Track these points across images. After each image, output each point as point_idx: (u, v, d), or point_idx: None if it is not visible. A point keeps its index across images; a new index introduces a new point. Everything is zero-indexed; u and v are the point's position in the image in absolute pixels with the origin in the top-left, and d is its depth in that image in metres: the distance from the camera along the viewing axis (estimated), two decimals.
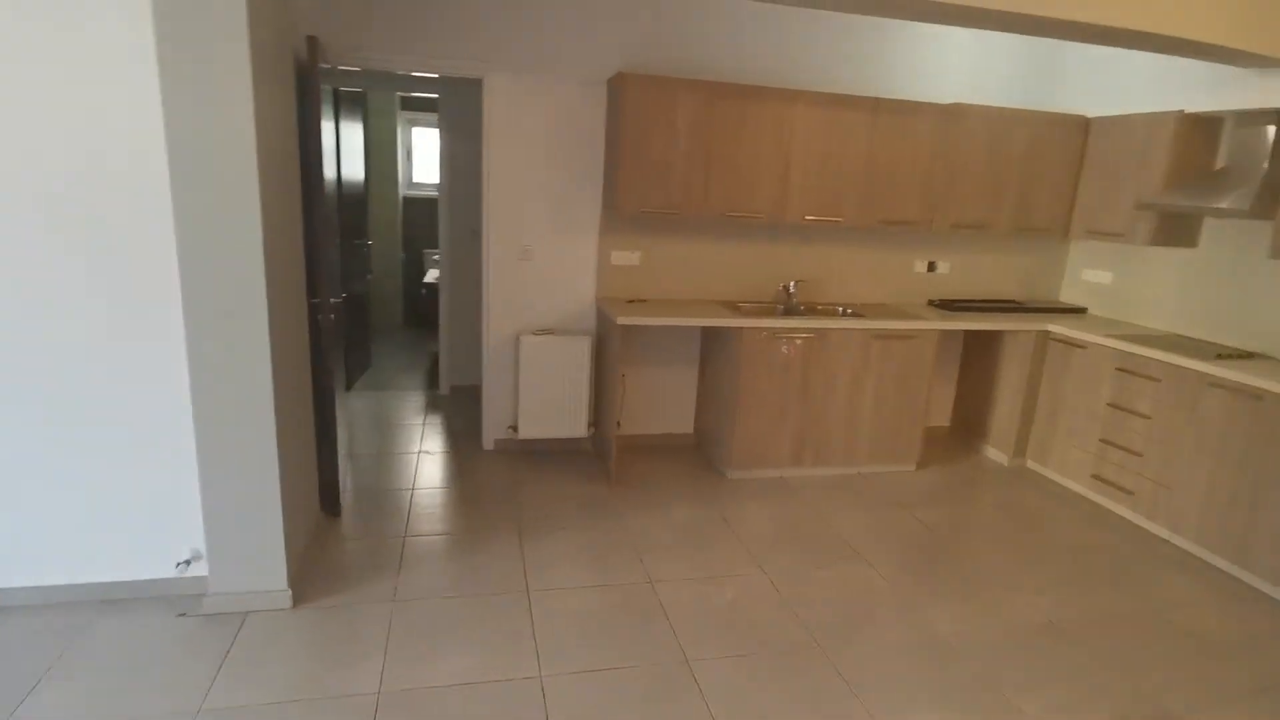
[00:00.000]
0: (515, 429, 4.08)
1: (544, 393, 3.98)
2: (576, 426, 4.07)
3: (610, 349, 3.82)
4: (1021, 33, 3.05)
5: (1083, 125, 4.22)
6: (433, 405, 4.95)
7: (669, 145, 3.65)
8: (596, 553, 3.10)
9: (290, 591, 2.56)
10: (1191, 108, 3.66)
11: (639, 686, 2.29)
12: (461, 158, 4.87)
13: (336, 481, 3.24)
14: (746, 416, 3.84)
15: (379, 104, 6.55)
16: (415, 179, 7.25)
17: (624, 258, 4.06)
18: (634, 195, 3.67)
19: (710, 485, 3.87)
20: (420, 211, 7.14)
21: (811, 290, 4.36)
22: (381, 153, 6.68)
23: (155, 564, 2.54)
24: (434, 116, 7.04)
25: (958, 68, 4.30)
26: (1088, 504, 3.89)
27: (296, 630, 2.46)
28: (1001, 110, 4.07)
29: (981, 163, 4.10)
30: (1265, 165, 3.39)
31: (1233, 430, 3.19)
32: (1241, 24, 2.96)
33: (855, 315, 4.01)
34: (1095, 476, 3.88)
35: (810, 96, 3.77)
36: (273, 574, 2.54)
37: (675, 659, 2.44)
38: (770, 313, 3.98)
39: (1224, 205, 3.38)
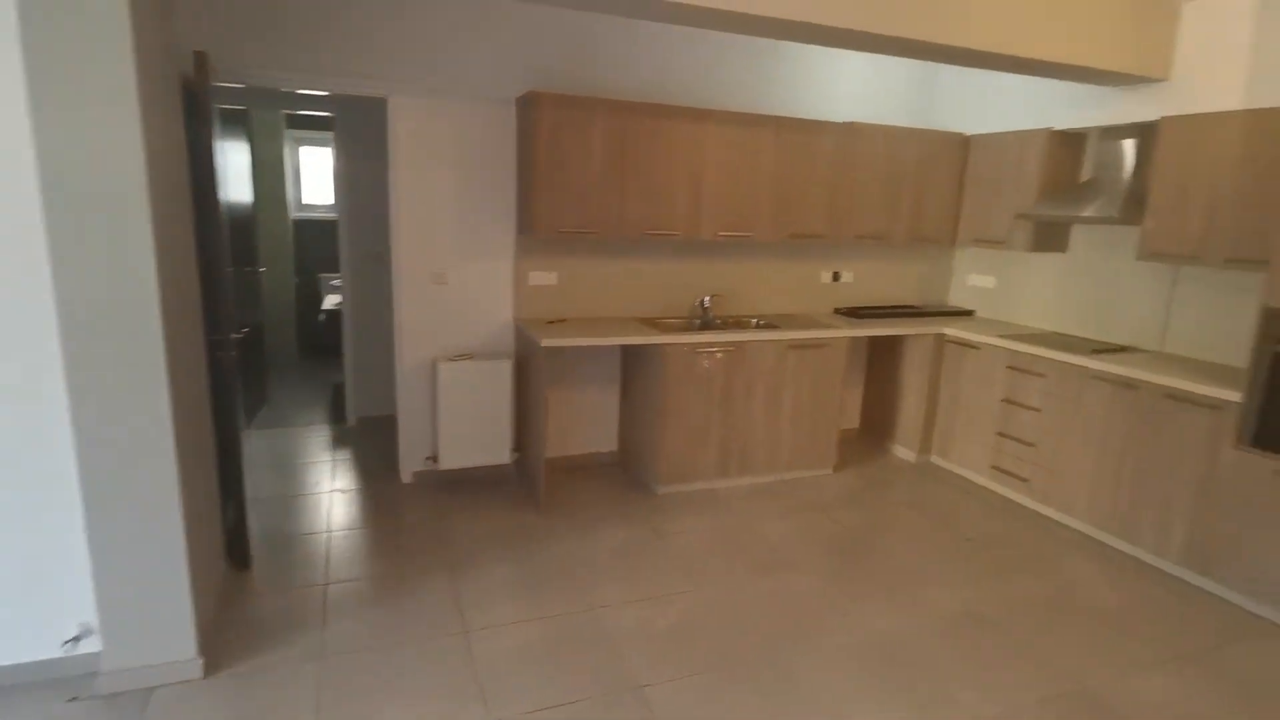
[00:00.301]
0: (435, 459, 3.92)
1: (465, 420, 3.84)
2: (500, 453, 3.96)
3: (533, 371, 3.74)
4: (911, 57, 3.25)
5: (963, 142, 4.54)
6: (340, 439, 4.68)
7: (584, 165, 3.64)
8: (533, 583, 3.01)
9: (201, 660, 2.33)
10: (1059, 125, 4.01)
11: None
12: (361, 179, 4.65)
13: (245, 530, 2.99)
14: (672, 431, 3.86)
15: (263, 122, 6.17)
16: (305, 200, 6.87)
17: (541, 278, 4.00)
18: (550, 216, 3.62)
19: (640, 502, 3.85)
20: (313, 235, 6.77)
21: (726, 304, 4.45)
22: (268, 174, 6.29)
23: (37, 644, 2.24)
24: (324, 135, 6.72)
25: (851, 89, 4.53)
26: (989, 494, 4.16)
27: (212, 703, 2.24)
28: (892, 129, 4.32)
29: (878, 178, 4.33)
30: (1127, 176, 3.77)
31: (1113, 418, 3.49)
32: (1102, 47, 3.28)
33: (769, 327, 4.12)
34: (994, 467, 4.15)
35: (720, 115, 3.86)
36: (179, 642, 2.30)
37: (626, 686, 2.39)
38: (688, 328, 4.03)
39: (1090, 214, 3.72)
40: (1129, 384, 3.41)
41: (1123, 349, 3.83)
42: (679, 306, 4.34)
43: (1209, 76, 3.34)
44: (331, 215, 6.84)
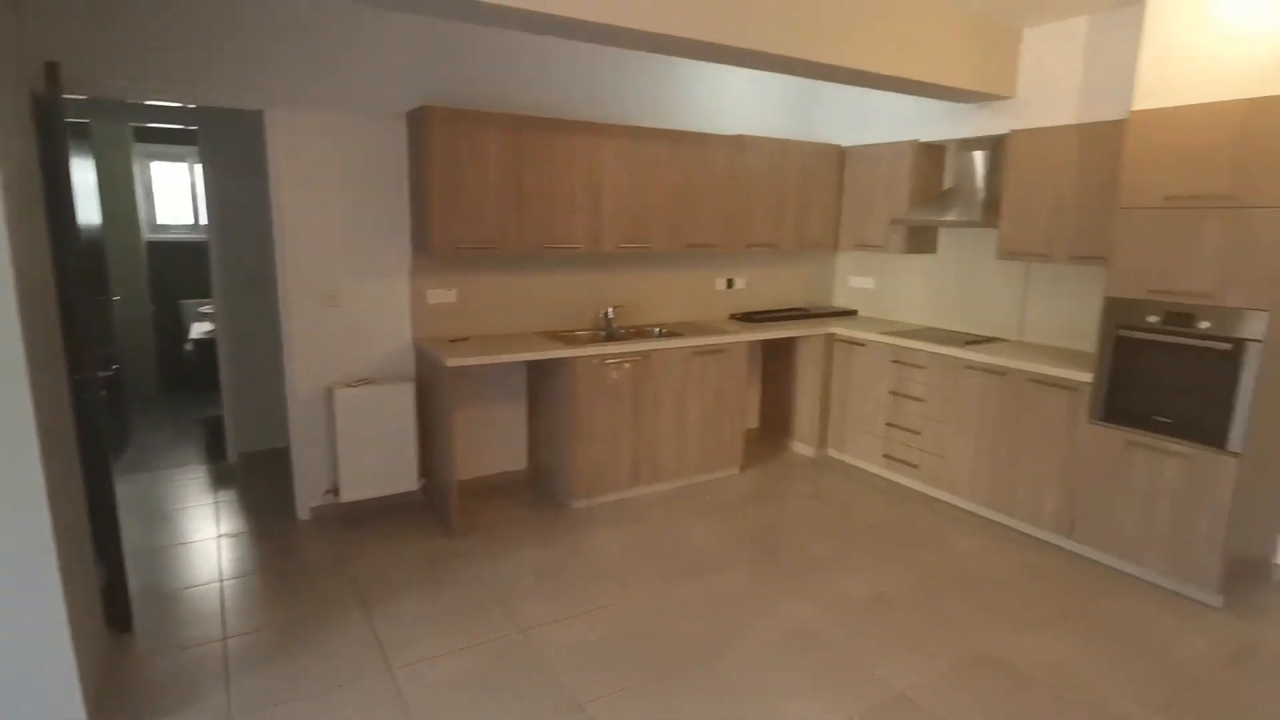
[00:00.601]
0: (336, 492, 3.70)
1: (367, 448, 3.65)
2: (406, 480, 3.79)
3: (438, 393, 3.61)
4: (794, 74, 3.43)
5: (839, 153, 4.85)
6: (221, 479, 4.31)
7: (481, 180, 3.57)
8: (457, 611, 2.90)
9: None
10: (923, 138, 4.37)
11: None
12: (234, 197, 4.33)
13: (124, 588, 2.69)
14: (584, 444, 3.85)
15: (107, 137, 5.60)
16: (160, 221, 6.29)
17: (440, 296, 3.88)
18: (448, 232, 3.53)
19: (556, 519, 3.81)
20: (171, 257, 6.22)
21: (628, 314, 4.50)
22: (116, 193, 5.71)
23: None
24: (181, 149, 6.21)
25: (737, 103, 4.72)
26: (883, 481, 4.44)
27: None
28: (776, 141, 4.54)
29: (765, 188, 4.54)
30: (983, 183, 4.16)
31: (986, 403, 3.83)
32: (958, 67, 3.60)
33: (672, 335, 4.20)
34: (886, 456, 4.44)
35: (616, 129, 3.90)
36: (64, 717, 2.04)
37: (567, 705, 2.36)
38: (593, 340, 4.04)
39: (954, 218, 4.08)
40: (998, 371, 3.76)
41: (989, 340, 4.21)
42: (582, 319, 4.35)
43: (1048, 94, 3.76)
44: (193, 236, 6.33)
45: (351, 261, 3.64)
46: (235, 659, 2.57)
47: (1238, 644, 2.80)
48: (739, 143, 4.37)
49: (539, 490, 4.19)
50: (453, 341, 3.80)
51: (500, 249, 3.68)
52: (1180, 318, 3.02)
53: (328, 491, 3.74)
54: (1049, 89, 3.75)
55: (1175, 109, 2.98)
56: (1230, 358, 2.89)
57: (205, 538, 3.53)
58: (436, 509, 3.81)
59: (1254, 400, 2.84)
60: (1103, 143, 3.45)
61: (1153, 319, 3.11)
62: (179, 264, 6.22)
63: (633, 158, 4.00)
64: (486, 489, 4.18)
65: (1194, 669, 2.64)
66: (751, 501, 4.09)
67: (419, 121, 3.48)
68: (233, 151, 4.29)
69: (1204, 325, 2.95)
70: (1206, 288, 2.94)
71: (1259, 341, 2.81)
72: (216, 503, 3.96)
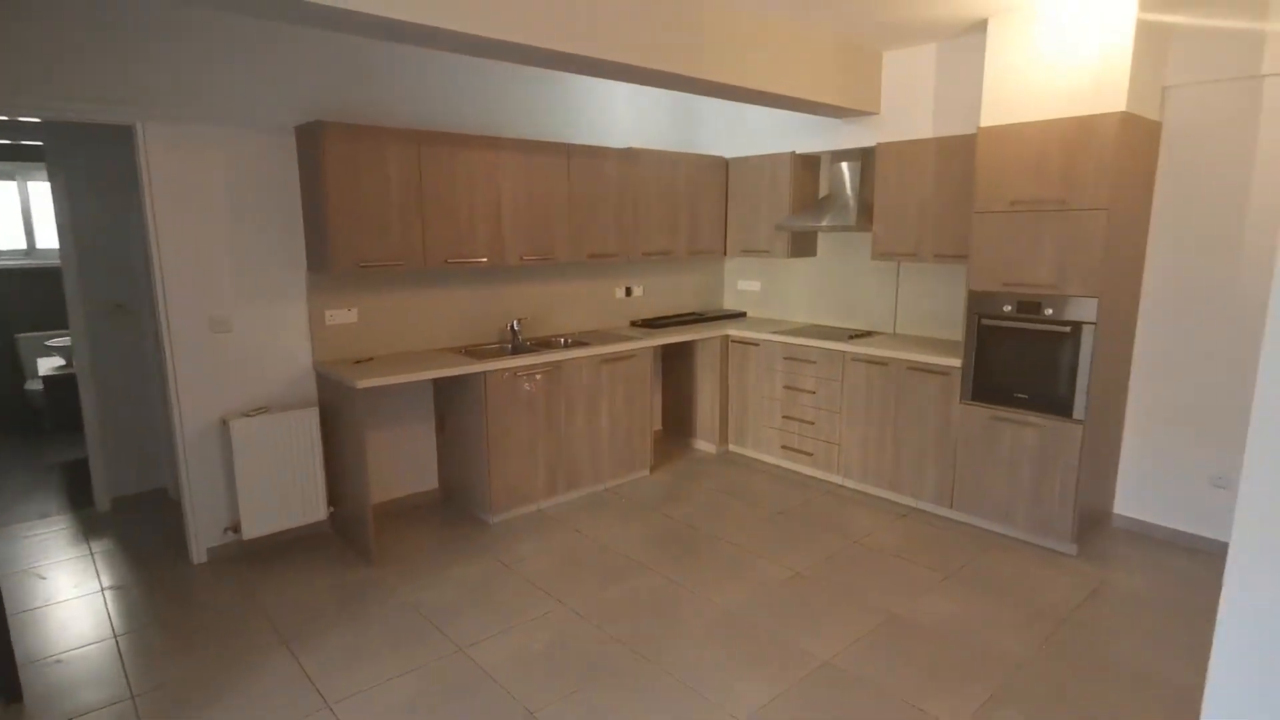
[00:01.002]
0: (236, 529, 3.49)
1: (269, 480, 3.47)
2: (314, 510, 3.63)
3: (346, 416, 3.50)
4: (683, 90, 3.61)
5: (723, 164, 5.12)
6: (93, 528, 3.92)
7: (382, 196, 3.50)
8: (390, 638, 2.84)
9: None
10: (800, 149, 4.72)
11: None
12: (93, 217, 3.97)
13: (10, 653, 2.42)
14: (500, 458, 3.85)
15: None
16: None
17: (340, 317, 3.75)
18: (347, 251, 3.43)
19: (476, 535, 3.78)
20: (3, 287, 5.55)
21: (533, 326, 4.54)
22: None
23: None
24: (9, 166, 5.58)
25: (625, 117, 4.88)
26: (783, 471, 4.74)
27: None
28: (665, 153, 4.74)
29: (657, 198, 4.72)
30: (856, 191, 4.55)
31: (871, 391, 4.20)
32: (828, 85, 3.94)
33: (578, 344, 4.29)
34: (784, 447, 4.74)
35: (513, 143, 3.94)
36: None
37: (521, 715, 2.39)
38: (500, 353, 4.05)
39: (833, 223, 4.44)
40: (880, 362, 4.13)
41: (869, 333, 4.62)
42: (488, 333, 4.34)
43: (908, 110, 4.19)
44: (30, 262, 5.69)
45: (242, 284, 3.45)
46: (150, 716, 2.39)
47: (1092, 584, 3.25)
48: (630, 155, 4.52)
49: (454, 508, 4.14)
50: (357, 363, 3.68)
51: (404, 266, 3.62)
52: (1029, 306, 3.48)
53: (228, 529, 3.51)
54: (908, 106, 4.18)
55: (1014, 125, 3.43)
56: (1071, 339, 3.36)
57: (86, 593, 3.22)
58: (350, 537, 3.67)
59: (1091, 374, 3.33)
60: (957, 154, 3.89)
61: (1007, 308, 3.56)
62: (12, 295, 5.57)
63: (531, 171, 4.05)
64: (399, 512, 4.07)
65: (1059, 609, 3.05)
66: (666, 501, 4.24)
67: (311, 137, 3.37)
68: (93, 168, 3.93)
69: (1048, 312, 3.42)
70: (1048, 279, 3.40)
71: (1092, 324, 3.29)
72: (92, 554, 3.61)
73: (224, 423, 3.43)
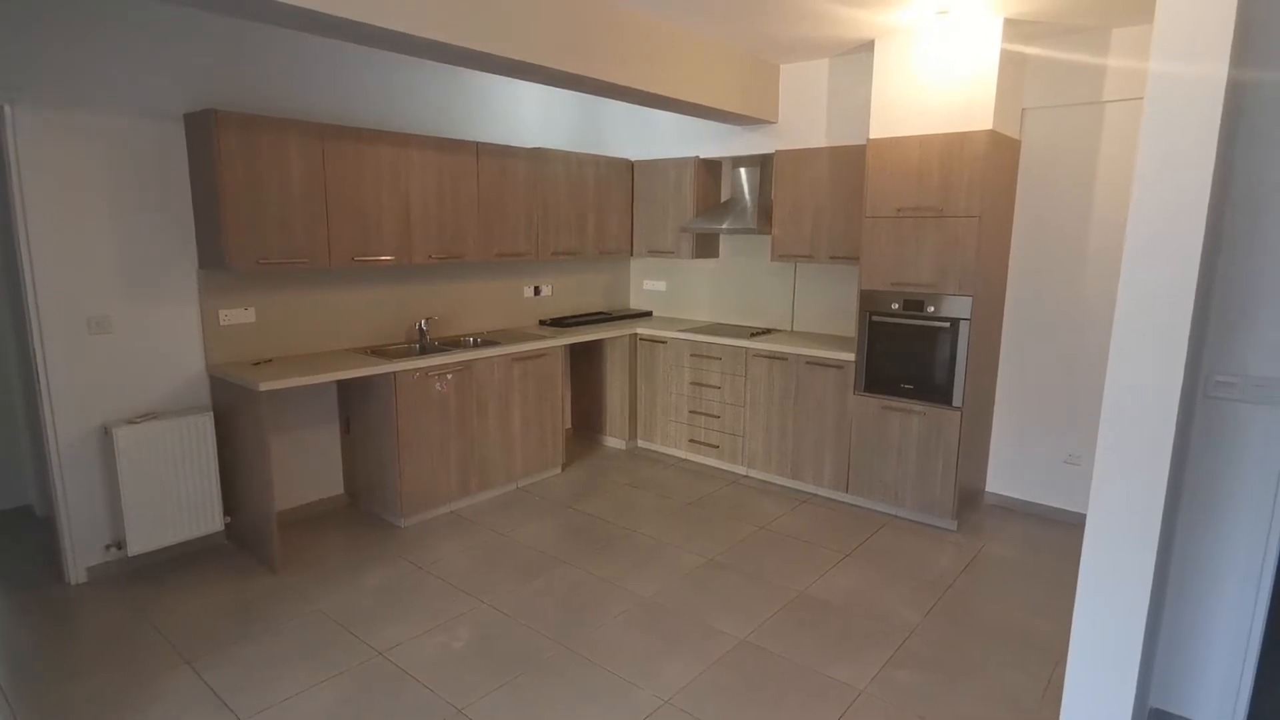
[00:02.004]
0: (121, 545, 3.25)
1: (158, 490, 3.26)
2: (209, 521, 3.44)
3: (247, 421, 3.33)
4: (594, 94, 3.69)
5: (629, 166, 5.24)
6: None
7: (284, 191, 3.36)
8: (304, 648, 2.75)
9: None
10: (704, 154, 4.91)
11: None
12: None
13: None
14: (411, 460, 3.78)
15: None
16: None
17: (237, 316, 3.56)
18: (245, 248, 3.27)
19: (387, 539, 3.70)
20: None
21: (441, 326, 4.47)
22: None
23: None
24: None
25: (533, 116, 4.90)
26: (691, 464, 4.91)
27: None
28: (572, 154, 4.79)
29: (565, 198, 4.77)
30: (755, 196, 4.78)
31: (773, 385, 4.44)
32: (730, 94, 4.13)
33: (488, 344, 4.27)
34: (692, 441, 4.92)
35: (422, 140, 3.88)
36: None
37: (447, 712, 2.39)
38: (409, 353, 3.98)
39: (734, 226, 4.65)
40: (780, 357, 4.37)
41: (768, 331, 4.86)
42: (395, 333, 4.24)
43: (803, 121, 4.45)
44: None
45: (125, 282, 3.22)
46: None
47: (970, 555, 3.60)
48: (539, 155, 4.55)
49: (361, 513, 4.02)
50: (255, 365, 3.52)
51: (308, 264, 3.49)
52: (914, 304, 3.80)
53: (111, 546, 3.26)
54: (804, 116, 4.45)
55: (899, 138, 3.74)
56: (949, 333, 3.71)
57: None
58: (251, 546, 3.50)
59: (968, 365, 3.68)
60: (849, 162, 4.19)
61: (895, 306, 3.87)
62: None
63: (440, 169, 4.00)
64: (302, 519, 3.91)
65: (944, 578, 3.36)
66: (579, 497, 4.30)
67: (202, 126, 3.19)
68: None
69: (930, 309, 3.75)
70: (930, 279, 3.73)
71: (967, 319, 3.65)
72: None
73: (105, 431, 3.18)
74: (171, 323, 3.38)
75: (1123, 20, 3.43)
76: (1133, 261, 1.85)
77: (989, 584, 3.32)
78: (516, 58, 3.00)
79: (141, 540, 3.25)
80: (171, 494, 3.30)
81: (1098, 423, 3.84)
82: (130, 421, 3.22)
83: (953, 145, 3.57)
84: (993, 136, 3.50)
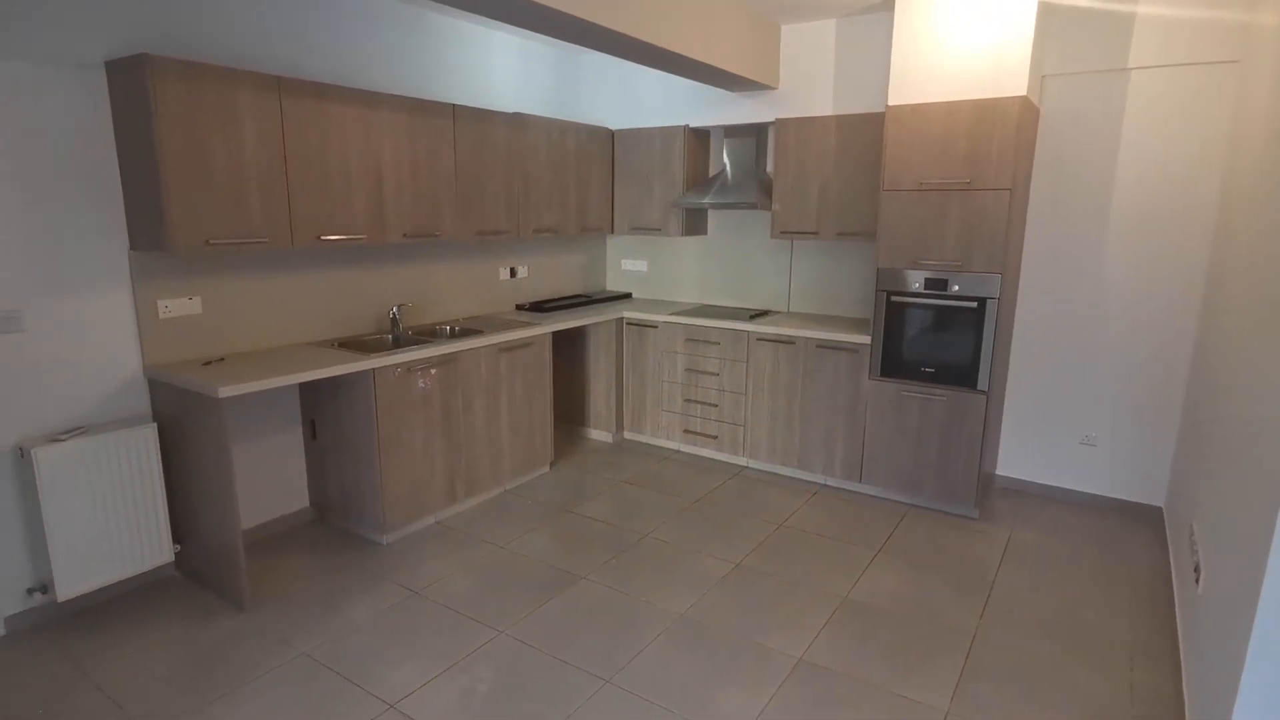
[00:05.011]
0: (48, 589, 2.68)
1: (91, 521, 2.70)
2: (156, 552, 2.90)
3: (200, 432, 2.80)
4: (579, 42, 3.19)
5: (609, 136, 4.82)
6: None
7: (233, 158, 2.81)
8: (294, 703, 2.30)
9: None
10: (693, 123, 4.54)
11: None
12: None
13: None
14: (393, 468, 3.32)
15: None
16: None
17: (178, 307, 2.99)
18: (189, 225, 2.71)
19: (369, 559, 3.24)
20: None
21: (413, 313, 3.98)
22: None
23: None
24: None
25: (506, 76, 4.40)
26: (686, 456, 4.60)
27: None
28: (553, 121, 4.34)
29: (546, 169, 4.32)
30: (753, 168, 4.46)
31: (778, 370, 4.17)
32: (729, 52, 3.76)
33: (468, 333, 3.81)
34: (687, 431, 4.60)
35: (392, 100, 3.36)
36: None
37: None
38: (381, 346, 3.49)
39: (729, 201, 4.33)
40: (788, 341, 4.10)
41: (765, 313, 4.58)
42: (363, 322, 3.73)
43: (807, 87, 4.15)
44: None
45: (37, 269, 2.61)
46: None
47: (1001, 544, 3.45)
48: (519, 121, 4.08)
49: (333, 530, 3.53)
50: (205, 364, 2.96)
51: (267, 243, 2.96)
52: (936, 283, 3.59)
53: (33, 590, 2.68)
54: (807, 83, 4.14)
55: (922, 105, 3.49)
56: (976, 314, 3.51)
57: None
58: (209, 580, 2.97)
59: (995, 347, 3.50)
60: (859, 132, 3.92)
61: (916, 285, 3.64)
62: None
63: (414, 134, 3.49)
64: (263, 541, 3.39)
65: (984, 572, 3.19)
66: (575, 499, 3.93)
67: (132, 75, 2.60)
68: None
69: (955, 288, 3.54)
70: (954, 257, 3.52)
71: (995, 299, 3.45)
72: None
73: (20, 451, 2.60)
74: (99, 316, 2.79)
75: None
76: None
77: (1030, 576, 3.17)
78: None
79: (72, 582, 2.68)
80: (108, 523, 2.74)
81: (1116, 403, 3.81)
82: (53, 439, 2.63)
83: (983, 112, 3.34)
84: (1024, 104, 3.29)
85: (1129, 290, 3.65)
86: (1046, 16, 3.54)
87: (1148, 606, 2.93)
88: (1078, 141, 3.67)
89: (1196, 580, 2.41)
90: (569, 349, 4.91)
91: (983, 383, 3.54)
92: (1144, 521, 3.72)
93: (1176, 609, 2.85)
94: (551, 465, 4.34)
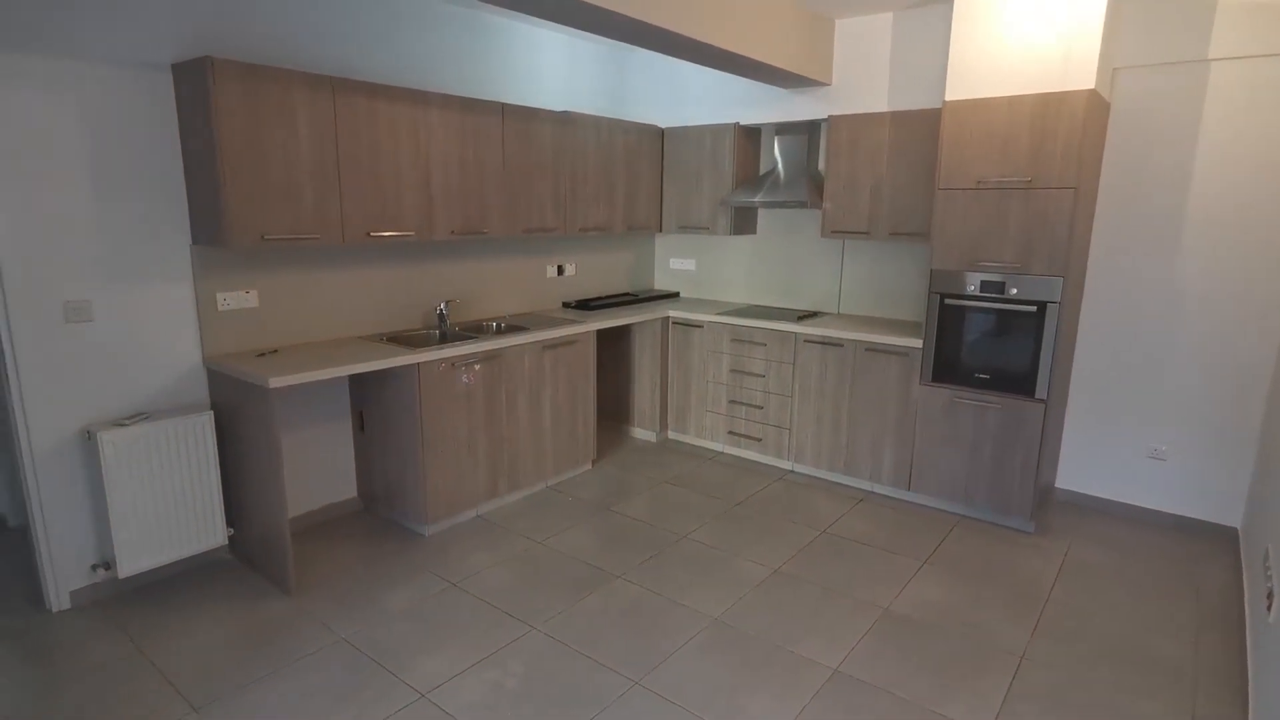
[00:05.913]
0: (109, 566, 2.82)
1: (151, 502, 2.83)
2: (210, 535, 3.02)
3: (253, 420, 2.90)
4: (632, 41, 3.20)
5: (658, 134, 4.80)
6: None
7: (289, 156, 2.90)
8: (331, 687, 2.36)
9: None
10: (743, 121, 4.48)
11: None
12: None
13: None
14: (437, 460, 3.37)
15: None
16: None
17: (236, 300, 3.11)
18: (247, 221, 2.81)
19: (411, 549, 3.30)
20: None
21: (461, 309, 4.04)
22: None
23: None
24: None
25: (555, 75, 4.43)
26: (729, 458, 4.54)
27: None
28: (602, 119, 4.34)
29: (594, 168, 4.33)
30: (805, 166, 4.37)
31: (826, 373, 4.07)
32: (782, 49, 3.70)
33: (513, 329, 3.85)
34: (731, 433, 4.55)
35: (443, 99, 3.42)
36: None
37: None
38: (429, 341, 3.56)
39: (774, 199, 4.24)
40: (835, 343, 4.00)
41: (814, 314, 4.49)
42: (411, 318, 3.80)
43: (861, 83, 4.04)
44: None
45: (107, 262, 2.75)
46: None
47: (1057, 561, 3.29)
48: (568, 119, 4.10)
49: (378, 519, 3.61)
50: (260, 356, 3.07)
51: (320, 239, 3.04)
52: (994, 285, 3.44)
53: (98, 566, 2.83)
54: (862, 79, 4.03)
55: (982, 100, 3.35)
56: (1035, 318, 3.35)
57: None
58: (258, 563, 3.09)
59: (1055, 354, 3.33)
60: (915, 129, 3.79)
61: (971, 288, 3.50)
62: None
63: (463, 132, 3.54)
64: (312, 528, 3.50)
65: (1037, 589, 3.04)
66: (616, 497, 3.92)
67: (195, 77, 2.71)
68: None
69: (1013, 291, 3.39)
70: (1013, 258, 3.37)
71: (1056, 303, 3.29)
72: None
73: (88, 434, 2.74)
74: (162, 308, 2.92)
75: None
76: None
77: (1087, 595, 3.00)
78: None
79: (133, 559, 2.82)
80: (167, 505, 2.87)
81: (1189, 415, 3.58)
82: (117, 423, 2.77)
83: (1048, 107, 3.18)
84: (1092, 98, 3.12)
85: (1204, 295, 3.43)
86: (1118, 5, 3.35)
87: (1216, 634, 2.74)
88: (1152, 138, 3.46)
89: (1269, 607, 2.24)
90: (615, 347, 4.92)
91: (1041, 390, 3.38)
92: (1218, 543, 3.49)
93: (1247, 637, 2.66)
94: (594, 463, 4.35)
